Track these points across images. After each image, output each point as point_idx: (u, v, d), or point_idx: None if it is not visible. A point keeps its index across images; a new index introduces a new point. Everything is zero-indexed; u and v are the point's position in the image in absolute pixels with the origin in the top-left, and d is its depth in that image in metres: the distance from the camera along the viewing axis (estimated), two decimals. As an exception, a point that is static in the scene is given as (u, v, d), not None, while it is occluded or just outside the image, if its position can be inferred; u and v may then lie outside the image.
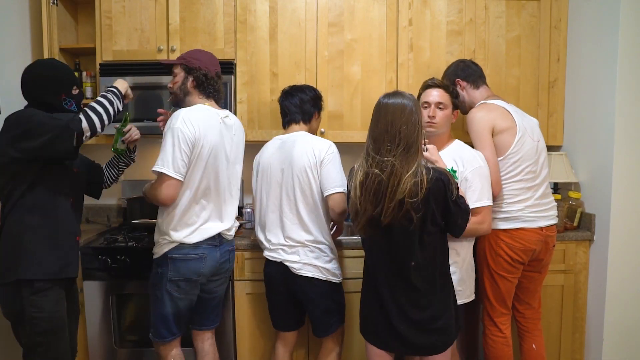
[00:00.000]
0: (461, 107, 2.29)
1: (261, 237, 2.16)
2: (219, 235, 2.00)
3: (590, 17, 2.45)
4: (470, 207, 2.00)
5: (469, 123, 2.16)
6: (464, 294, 2.03)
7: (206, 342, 2.13)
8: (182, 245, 1.92)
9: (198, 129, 1.88)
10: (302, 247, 2.04)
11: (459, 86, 2.29)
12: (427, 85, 2.12)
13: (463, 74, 2.29)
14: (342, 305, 2.16)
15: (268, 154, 2.15)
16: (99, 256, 2.35)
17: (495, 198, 2.08)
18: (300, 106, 2.16)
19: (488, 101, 2.20)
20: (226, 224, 2.04)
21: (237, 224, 2.13)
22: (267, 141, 2.59)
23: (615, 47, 2.27)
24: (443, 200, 1.66)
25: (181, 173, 1.86)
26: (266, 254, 2.13)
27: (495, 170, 2.08)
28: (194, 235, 1.93)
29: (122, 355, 2.42)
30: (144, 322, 2.38)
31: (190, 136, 1.85)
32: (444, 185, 1.66)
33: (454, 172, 1.99)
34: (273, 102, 2.60)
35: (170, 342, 2.03)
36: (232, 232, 2.08)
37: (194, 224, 1.94)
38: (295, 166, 2.03)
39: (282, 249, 2.07)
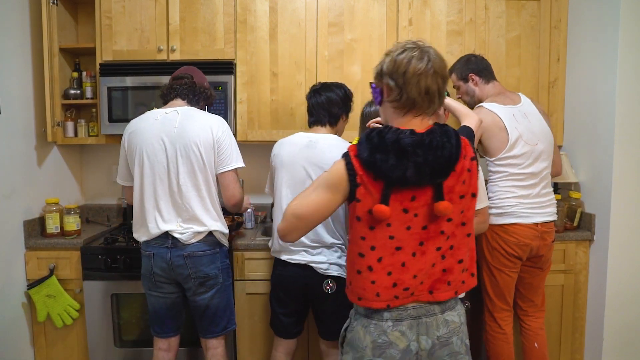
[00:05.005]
0: (470, 102, 2.32)
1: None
2: (172, 237, 1.94)
3: (590, 17, 2.45)
4: (475, 208, 2.04)
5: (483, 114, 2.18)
6: None
7: (208, 352, 2.08)
8: (142, 242, 2.03)
9: (126, 136, 2.03)
10: (327, 248, 2.03)
11: (471, 81, 2.29)
12: None
13: (477, 69, 2.29)
14: None
15: (293, 150, 2.05)
16: (99, 256, 2.35)
17: None
18: (328, 108, 2.09)
19: (485, 105, 2.19)
20: (169, 224, 1.95)
21: (203, 230, 1.96)
22: (267, 141, 2.61)
23: (615, 47, 2.27)
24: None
25: (123, 179, 2.09)
26: (285, 257, 2.05)
27: None
28: (139, 234, 2.02)
29: (122, 355, 2.41)
30: (144, 322, 2.39)
31: (121, 145, 2.05)
32: None
33: (447, 93, 1.97)
34: (273, 102, 2.60)
35: (156, 339, 2.09)
36: (187, 237, 1.94)
37: (136, 223, 2.02)
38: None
39: (305, 251, 2.02)
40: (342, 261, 2.04)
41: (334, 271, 2.02)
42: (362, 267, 1.31)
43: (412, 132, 1.25)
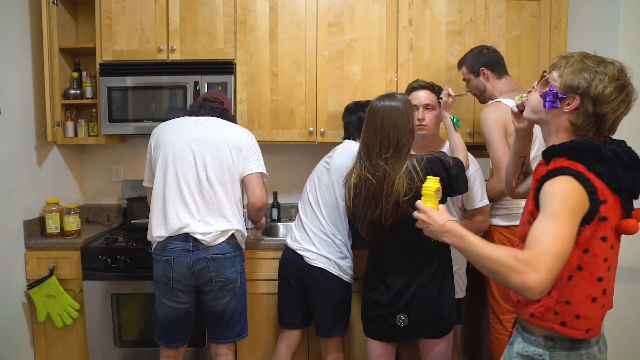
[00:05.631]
0: (480, 97, 2.29)
1: (293, 225, 2.23)
2: (193, 239, 1.92)
3: (590, 17, 2.45)
4: (475, 207, 2.04)
5: (481, 122, 2.15)
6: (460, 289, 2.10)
7: (219, 358, 2.07)
8: (156, 245, 1.98)
9: (154, 136, 2.06)
10: (317, 237, 2.08)
11: (482, 75, 2.23)
12: (412, 88, 2.10)
13: (489, 62, 2.22)
14: (348, 308, 2.15)
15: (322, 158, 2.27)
16: (99, 256, 2.35)
17: (501, 197, 2.11)
18: (359, 126, 2.15)
19: (503, 100, 2.14)
20: (191, 218, 1.92)
21: (229, 228, 1.96)
22: (267, 141, 2.62)
23: (615, 47, 2.27)
24: (445, 174, 1.68)
25: (149, 180, 2.07)
26: (288, 240, 2.19)
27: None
28: (158, 230, 1.96)
29: (122, 355, 2.42)
30: (144, 322, 2.39)
31: (149, 146, 2.07)
32: (439, 160, 1.70)
33: (458, 120, 2.01)
34: (273, 102, 2.60)
35: (163, 348, 2.05)
36: (210, 238, 1.92)
37: (156, 219, 1.97)
38: (334, 166, 2.11)
39: (300, 238, 2.12)
40: (332, 256, 2.06)
41: (321, 263, 2.05)
42: (599, 293, 1.17)
43: (625, 143, 1.21)
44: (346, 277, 2.10)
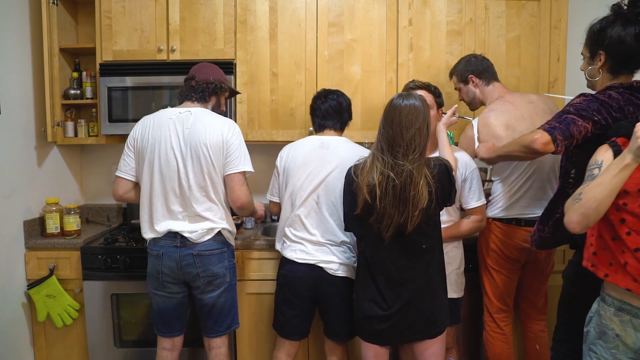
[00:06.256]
0: (471, 104, 2.30)
1: (290, 235, 2.06)
2: (181, 236, 1.95)
3: (590, 17, 2.44)
4: (472, 206, 2.04)
5: (480, 126, 2.14)
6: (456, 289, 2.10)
7: (212, 351, 2.08)
8: (149, 240, 2.04)
9: (138, 131, 2.03)
10: (337, 247, 2.03)
11: (471, 82, 2.25)
12: (409, 88, 2.08)
13: (477, 70, 2.24)
14: None
15: (305, 151, 2.07)
16: (99, 256, 2.35)
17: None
18: (340, 113, 2.12)
19: (488, 116, 2.14)
20: (177, 223, 1.96)
21: (214, 226, 1.98)
22: (266, 141, 2.61)
23: (615, 47, 2.27)
24: (449, 182, 1.72)
25: (124, 171, 2.04)
26: (293, 255, 2.03)
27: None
28: (147, 232, 2.02)
29: (122, 355, 2.42)
30: (144, 322, 2.39)
31: (130, 138, 2.04)
32: (445, 167, 1.73)
33: (452, 137, 2.09)
34: (273, 102, 2.60)
35: (160, 338, 2.09)
36: (197, 236, 1.95)
37: (145, 221, 2.01)
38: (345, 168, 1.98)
39: (315, 250, 2.01)
40: (350, 262, 2.04)
41: (343, 272, 2.01)
42: None
43: None
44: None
